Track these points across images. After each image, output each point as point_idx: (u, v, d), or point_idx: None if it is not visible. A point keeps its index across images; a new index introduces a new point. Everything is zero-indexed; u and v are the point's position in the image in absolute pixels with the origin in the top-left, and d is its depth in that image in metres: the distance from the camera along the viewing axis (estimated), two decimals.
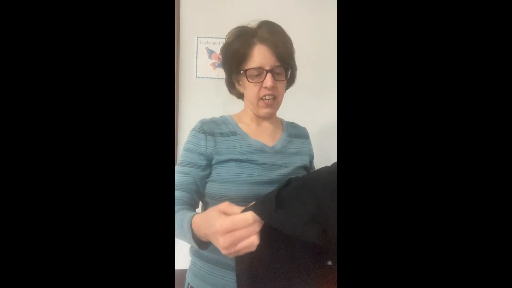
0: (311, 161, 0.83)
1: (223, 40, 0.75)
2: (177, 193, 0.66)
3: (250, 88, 0.71)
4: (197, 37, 1.19)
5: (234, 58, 0.71)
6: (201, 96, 1.19)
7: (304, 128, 0.87)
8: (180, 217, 0.57)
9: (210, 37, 1.19)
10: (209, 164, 0.70)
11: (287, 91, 0.79)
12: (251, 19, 0.74)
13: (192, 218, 0.54)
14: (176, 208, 0.62)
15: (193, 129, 0.73)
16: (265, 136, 0.76)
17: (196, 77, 1.19)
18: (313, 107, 1.22)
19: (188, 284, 0.71)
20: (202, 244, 0.55)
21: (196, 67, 1.19)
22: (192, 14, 1.18)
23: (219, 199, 0.66)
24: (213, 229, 0.45)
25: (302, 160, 0.77)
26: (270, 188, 0.58)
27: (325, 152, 1.19)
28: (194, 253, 0.73)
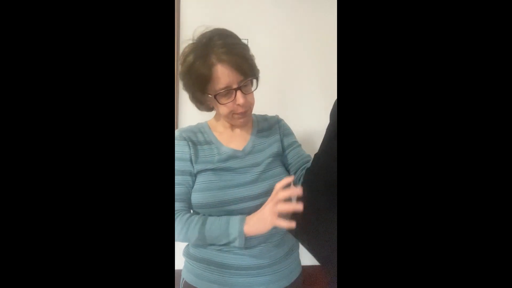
0: (284, 141, 0.84)
1: None
2: (177, 205, 0.72)
3: (222, 108, 0.71)
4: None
5: (196, 82, 0.69)
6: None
7: (275, 116, 0.89)
8: (214, 220, 0.69)
9: None
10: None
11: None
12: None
13: (245, 218, 0.67)
14: (185, 216, 0.71)
15: (175, 139, 0.76)
16: (236, 141, 0.79)
17: None
18: (313, 106, 1.22)
19: (183, 279, 0.78)
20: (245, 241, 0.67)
21: None
22: (192, 14, 1.18)
23: (199, 207, 0.72)
24: (269, 221, 0.62)
25: (272, 150, 0.80)
26: (245, 190, 0.71)
27: None
28: (186, 254, 0.79)
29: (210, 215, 0.71)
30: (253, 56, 0.73)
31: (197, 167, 0.73)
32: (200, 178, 0.73)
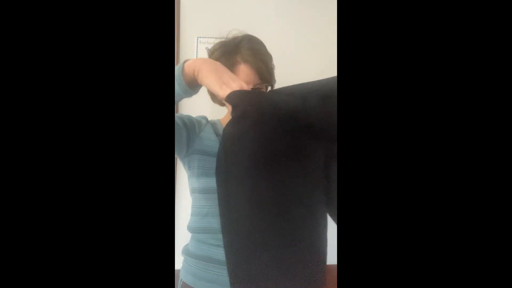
0: None
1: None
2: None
3: None
4: (197, 37, 1.19)
5: None
6: (201, 96, 1.19)
7: None
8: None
9: (210, 37, 1.18)
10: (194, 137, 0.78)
11: None
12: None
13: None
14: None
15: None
16: None
17: None
18: None
19: (181, 280, 0.77)
20: (191, 84, 0.61)
21: None
22: (192, 14, 1.18)
23: (202, 192, 0.74)
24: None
25: None
26: None
27: None
28: (185, 252, 0.79)
29: (211, 203, 0.73)
30: (274, 66, 0.79)
31: (204, 148, 0.76)
32: (204, 163, 0.75)
